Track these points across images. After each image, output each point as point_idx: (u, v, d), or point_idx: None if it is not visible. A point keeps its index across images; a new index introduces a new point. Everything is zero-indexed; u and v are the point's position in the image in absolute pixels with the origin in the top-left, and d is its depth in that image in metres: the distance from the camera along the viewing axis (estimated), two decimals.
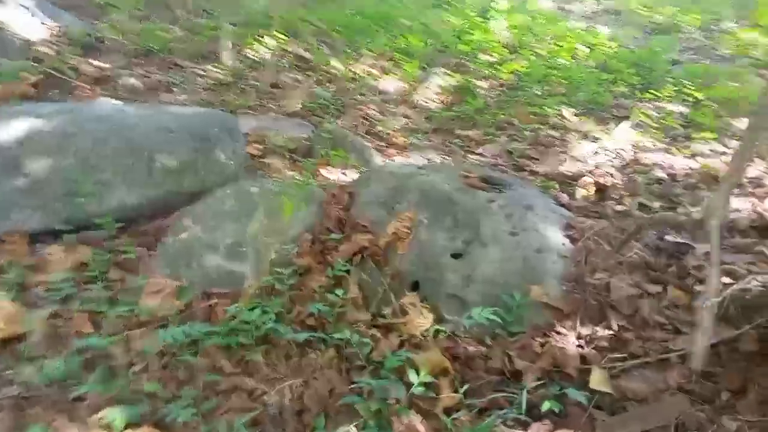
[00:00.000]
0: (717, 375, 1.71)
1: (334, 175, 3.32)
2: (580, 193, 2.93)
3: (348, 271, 2.21)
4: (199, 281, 2.28)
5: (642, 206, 2.75)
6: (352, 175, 3.29)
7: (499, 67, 4.97)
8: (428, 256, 2.18)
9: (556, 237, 2.23)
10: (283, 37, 5.05)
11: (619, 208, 2.73)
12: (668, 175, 3.11)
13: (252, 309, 2.04)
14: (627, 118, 3.99)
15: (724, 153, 3.45)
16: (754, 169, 3.08)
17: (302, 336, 1.95)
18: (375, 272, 2.21)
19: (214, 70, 4.43)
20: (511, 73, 4.89)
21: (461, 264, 2.12)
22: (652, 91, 4.40)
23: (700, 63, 5.12)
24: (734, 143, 3.57)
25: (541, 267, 2.10)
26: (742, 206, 2.51)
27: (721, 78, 4.67)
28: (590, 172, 3.17)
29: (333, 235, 2.39)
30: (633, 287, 2.01)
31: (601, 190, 2.96)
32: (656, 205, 2.75)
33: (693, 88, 4.37)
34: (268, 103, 4.04)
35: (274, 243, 2.35)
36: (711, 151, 3.48)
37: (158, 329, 2.05)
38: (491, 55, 5.15)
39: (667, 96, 4.38)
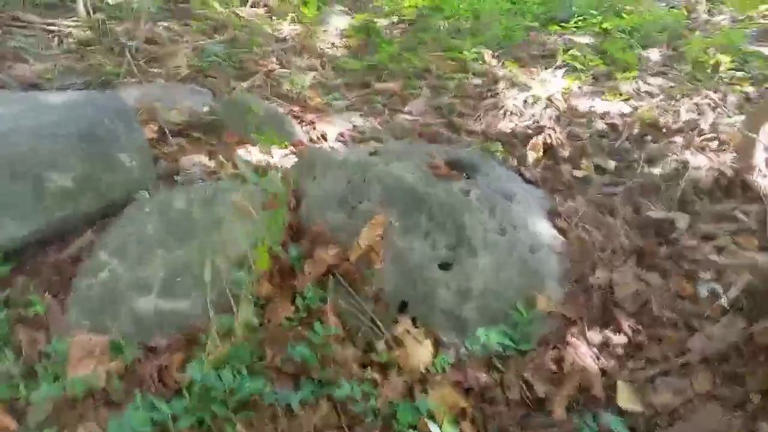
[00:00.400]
0: (742, 376, 1.65)
1: (253, 156, 2.86)
2: (531, 156, 2.74)
3: (323, 299, 1.88)
4: (135, 332, 1.85)
5: (598, 168, 2.63)
6: (278, 157, 2.85)
7: (399, 1, 4.56)
8: (412, 269, 1.90)
9: (545, 229, 2.03)
10: None
11: (577, 173, 2.58)
12: (608, 125, 3.01)
13: (218, 368, 1.67)
14: (546, 57, 3.83)
15: (648, 92, 3.42)
16: (686, 112, 3.07)
17: (293, 398, 1.62)
18: (352, 296, 1.90)
19: (70, 24, 3.62)
20: (414, 7, 4.51)
21: (453, 276, 1.87)
22: (561, 24, 4.25)
23: None
24: (654, 80, 3.55)
25: (539, 269, 1.91)
26: (698, 162, 2.46)
27: (619, 3, 4.63)
28: (533, 128, 2.99)
29: (291, 251, 2.02)
30: (635, 281, 1.88)
31: (549, 149, 2.80)
32: (611, 165, 2.64)
33: (599, 17, 4.28)
34: (148, 67, 3.38)
35: (221, 269, 1.94)
36: (636, 91, 3.43)
37: (103, 409, 1.63)
38: None
39: (573, 27, 4.26)
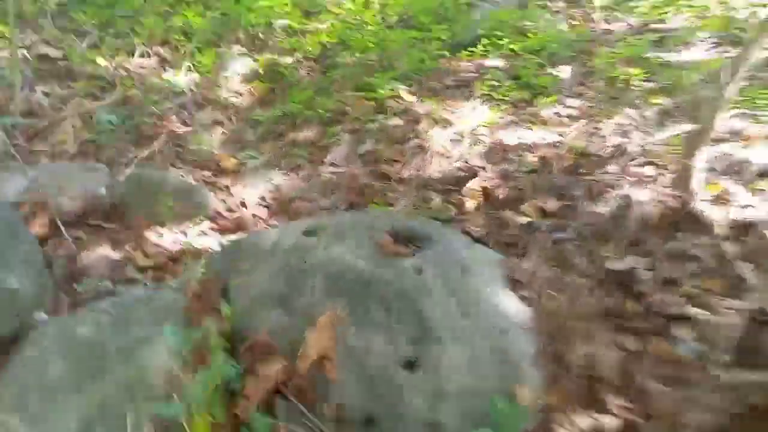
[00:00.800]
0: None
1: (167, 239, 2.53)
2: (469, 204, 2.60)
3: (274, 428, 1.61)
4: None
5: (540, 211, 2.51)
6: (192, 236, 2.54)
7: (302, 38, 4.32)
8: (374, 375, 1.67)
9: (509, 303, 1.86)
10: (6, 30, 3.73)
11: (520, 219, 2.45)
12: (539, 159, 2.92)
13: None
14: (461, 87, 3.72)
15: (570, 116, 3.37)
16: (612, 134, 3.03)
17: None
18: (308, 418, 1.64)
19: None
20: (318, 43, 4.29)
21: (422, 378, 1.65)
22: (469, 49, 4.17)
23: (498, 7, 5.03)
24: (573, 101, 3.51)
25: (513, 353, 1.73)
26: (640, 196, 2.40)
27: (518, 20, 4.62)
28: (465, 169, 2.85)
29: (226, 370, 1.73)
30: (614, 350, 1.75)
31: (487, 195, 2.67)
32: (553, 206, 2.53)
33: (505, 39, 4.23)
34: (30, 146, 2.95)
35: (145, 407, 1.63)
36: (558, 115, 3.37)
37: None
38: (290, 25, 4.45)
39: (482, 52, 4.19)
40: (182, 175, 2.87)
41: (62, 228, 2.43)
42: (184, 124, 3.37)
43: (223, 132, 3.35)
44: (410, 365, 1.68)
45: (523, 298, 1.90)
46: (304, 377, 1.70)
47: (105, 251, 2.42)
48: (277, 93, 3.70)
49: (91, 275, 2.26)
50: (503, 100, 3.45)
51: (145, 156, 2.98)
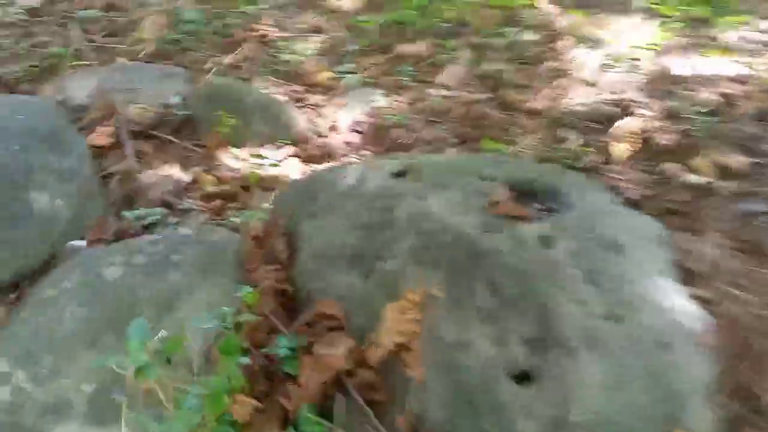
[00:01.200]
0: None
1: (239, 163, 2.15)
2: (618, 150, 1.97)
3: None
4: None
5: (723, 169, 1.84)
6: (272, 162, 2.14)
7: None
8: (470, 383, 1.20)
9: (677, 302, 1.29)
10: None
11: (691, 178, 1.81)
12: (720, 97, 2.19)
13: None
14: (616, 2, 2.96)
15: (764, 42, 2.55)
16: None
17: None
18: (373, 426, 1.21)
19: None
20: None
21: (538, 397, 1.16)
22: None
23: None
24: (766, 23, 2.67)
25: (676, 379, 1.18)
26: None
27: None
28: (615, 104, 2.20)
29: (280, 342, 1.33)
30: None
31: (645, 139, 2.02)
32: (741, 163, 1.85)
33: None
34: (105, 42, 2.63)
35: (172, 379, 1.27)
36: (747, 41, 2.56)
37: None
38: None
39: None
40: (269, 89, 2.44)
41: (126, 139, 2.10)
42: (280, 28, 2.92)
43: (321, 41, 2.87)
44: (523, 377, 1.18)
45: (698, 299, 1.31)
46: (375, 370, 1.27)
47: (170, 170, 2.08)
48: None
49: (149, 197, 1.93)
50: (673, 16, 2.67)
51: (230, 62, 2.58)
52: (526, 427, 1.14)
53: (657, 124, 2.05)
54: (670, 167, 1.87)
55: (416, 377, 1.22)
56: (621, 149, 1.97)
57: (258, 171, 2.07)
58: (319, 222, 1.54)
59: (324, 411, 1.26)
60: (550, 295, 1.24)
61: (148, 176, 2.03)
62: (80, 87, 2.29)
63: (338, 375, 1.26)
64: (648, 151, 1.99)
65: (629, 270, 1.30)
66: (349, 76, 2.61)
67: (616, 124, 2.06)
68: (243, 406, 1.24)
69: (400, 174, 1.56)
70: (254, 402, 1.25)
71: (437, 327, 1.27)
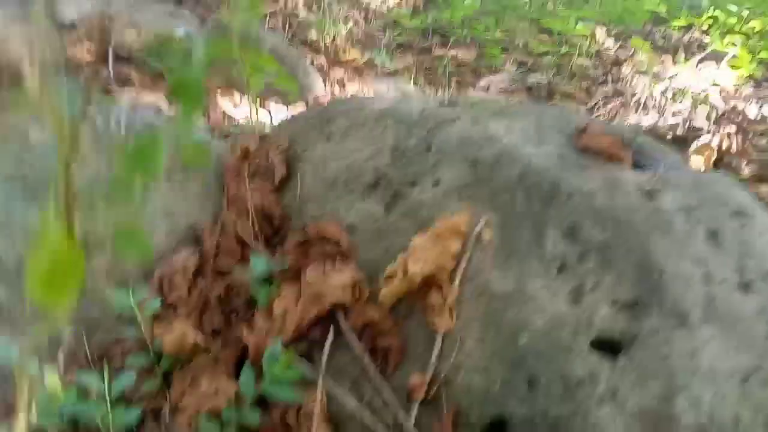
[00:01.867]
0: None
1: (242, 111, 1.81)
2: (696, 161, 1.65)
3: (306, 382, 0.78)
4: None
5: None
6: (278, 117, 1.80)
7: None
8: (527, 347, 0.79)
9: None
10: None
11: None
12: None
13: None
14: (674, 48, 2.74)
15: None
16: None
17: None
18: (375, 386, 0.80)
19: None
20: None
21: (628, 372, 0.75)
22: (693, 14, 3.15)
23: None
24: None
25: None
26: None
27: None
28: (685, 129, 1.90)
29: (255, 263, 0.93)
30: None
31: (723, 156, 1.71)
32: None
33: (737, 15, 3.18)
34: None
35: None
36: None
37: None
38: None
39: (708, 20, 3.15)
40: (286, 44, 2.15)
41: (110, 59, 1.77)
42: (309, 9, 2.67)
43: (354, 30, 2.61)
44: (612, 346, 0.78)
45: None
46: (387, 311, 0.85)
47: (155, 99, 1.73)
48: (432, 3, 2.92)
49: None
50: (745, 65, 2.43)
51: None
52: (601, 415, 0.73)
53: (740, 147, 1.74)
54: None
55: (446, 326, 0.81)
56: (697, 161, 1.65)
57: (256, 124, 1.72)
58: (334, 146, 1.17)
59: (301, 357, 0.84)
60: (659, 249, 0.85)
61: (128, 99, 1.68)
62: (76, 7, 1.98)
63: (332, 311, 0.85)
64: (726, 167, 1.67)
65: (760, 237, 0.92)
66: (383, 60, 2.32)
67: (697, 141, 1.75)
68: (178, 333, 0.83)
69: (451, 104, 1.21)
70: (192, 331, 0.84)
71: (483, 271, 0.87)
